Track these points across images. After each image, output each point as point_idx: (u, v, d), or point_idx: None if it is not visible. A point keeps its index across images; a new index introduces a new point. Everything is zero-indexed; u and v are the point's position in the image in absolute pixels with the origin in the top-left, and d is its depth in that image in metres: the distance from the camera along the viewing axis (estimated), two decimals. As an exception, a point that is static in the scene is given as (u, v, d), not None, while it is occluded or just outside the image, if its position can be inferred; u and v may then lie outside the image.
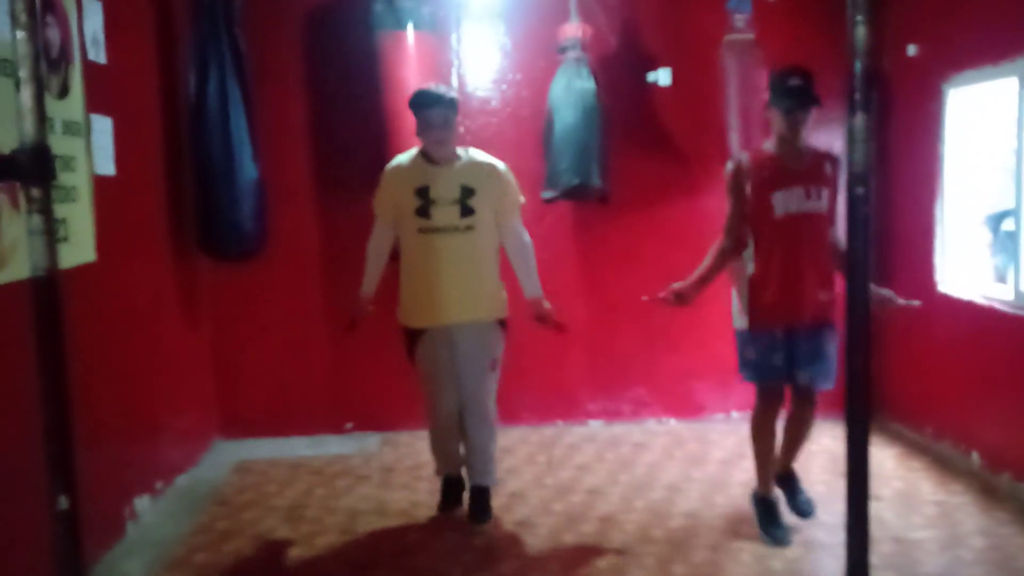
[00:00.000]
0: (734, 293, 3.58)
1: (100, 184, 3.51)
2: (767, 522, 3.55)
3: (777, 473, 3.65)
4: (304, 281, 5.03)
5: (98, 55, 3.59)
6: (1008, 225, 4.42)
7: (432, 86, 3.66)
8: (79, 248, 3.32)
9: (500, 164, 3.68)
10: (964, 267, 4.47)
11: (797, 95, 3.34)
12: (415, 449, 4.65)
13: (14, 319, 2.18)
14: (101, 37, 3.62)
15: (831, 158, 3.48)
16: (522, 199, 3.76)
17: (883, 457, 4.44)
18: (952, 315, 4.33)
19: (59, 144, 3.14)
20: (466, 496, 3.85)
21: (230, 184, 4.36)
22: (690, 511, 3.83)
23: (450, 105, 3.55)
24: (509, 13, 4.99)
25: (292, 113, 4.94)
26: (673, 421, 5.19)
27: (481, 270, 3.63)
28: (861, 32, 1.31)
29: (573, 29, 4.65)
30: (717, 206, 3.98)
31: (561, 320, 3.78)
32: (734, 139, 4.52)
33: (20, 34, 1.20)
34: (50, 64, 3.13)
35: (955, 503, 3.85)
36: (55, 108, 3.15)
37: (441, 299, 3.57)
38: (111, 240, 3.57)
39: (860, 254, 1.38)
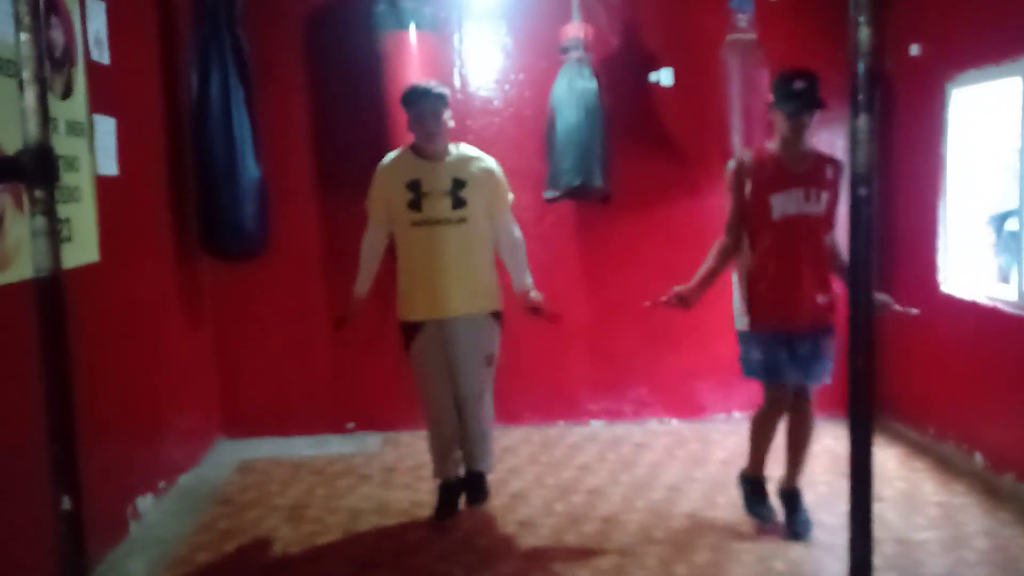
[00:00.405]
0: (735, 293, 3.58)
1: (103, 184, 3.52)
2: (753, 500, 3.59)
3: (781, 489, 3.63)
4: (306, 281, 5.04)
5: (101, 56, 3.59)
6: (1011, 225, 4.42)
7: (422, 81, 3.69)
8: (82, 248, 3.33)
9: (490, 159, 3.71)
10: (967, 267, 4.46)
11: (801, 98, 3.32)
12: (416, 449, 4.65)
13: (18, 319, 2.18)
14: (104, 38, 3.62)
15: (833, 162, 3.47)
16: (511, 196, 3.78)
17: (886, 457, 4.44)
18: (955, 315, 4.32)
19: (62, 144, 3.14)
20: (463, 500, 3.87)
21: (232, 184, 4.37)
22: (692, 511, 3.83)
23: (439, 98, 3.56)
24: (511, 13, 4.99)
25: (294, 113, 4.95)
26: (675, 421, 5.18)
27: (475, 261, 3.65)
28: (864, 33, 1.31)
29: (575, 29, 4.65)
30: (719, 206, 3.97)
31: (553, 311, 3.79)
32: (736, 139, 4.52)
33: (24, 35, 1.20)
34: (54, 65, 3.14)
35: (958, 504, 3.84)
36: (59, 109, 3.15)
37: (437, 291, 3.59)
38: (114, 240, 3.58)
39: (863, 255, 1.38)
